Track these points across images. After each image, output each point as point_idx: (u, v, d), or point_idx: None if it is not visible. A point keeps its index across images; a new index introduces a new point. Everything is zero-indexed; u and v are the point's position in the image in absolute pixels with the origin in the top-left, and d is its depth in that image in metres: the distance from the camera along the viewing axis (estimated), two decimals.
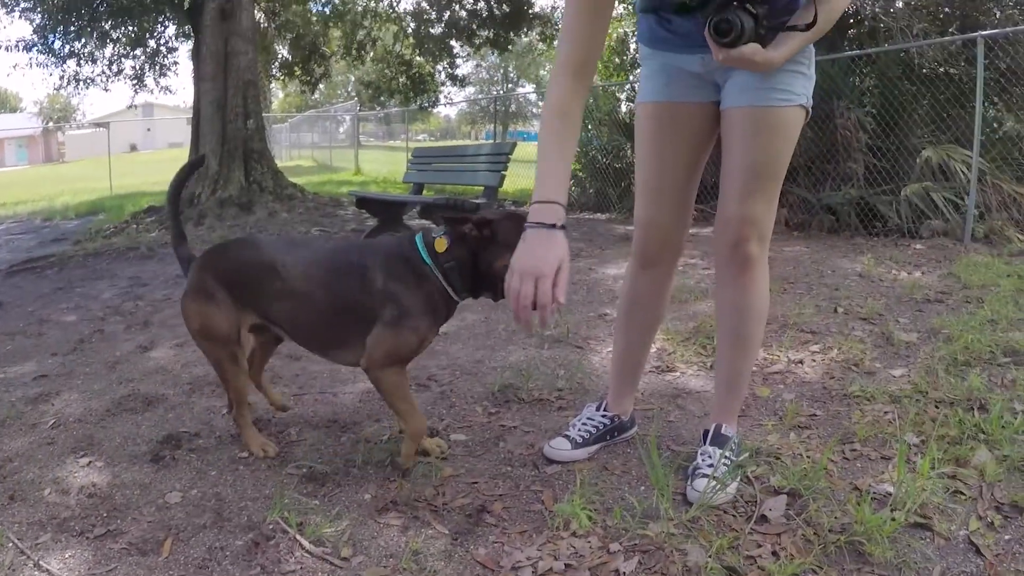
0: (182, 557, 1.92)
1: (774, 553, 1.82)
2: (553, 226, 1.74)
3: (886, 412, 2.67)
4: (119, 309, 4.99)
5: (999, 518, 1.94)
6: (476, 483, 2.28)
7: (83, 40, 12.45)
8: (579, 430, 2.42)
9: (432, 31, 17.04)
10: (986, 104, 7.73)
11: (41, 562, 1.90)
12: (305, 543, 1.95)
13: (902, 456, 2.12)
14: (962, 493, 2.07)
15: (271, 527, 2.03)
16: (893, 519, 1.88)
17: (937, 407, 2.69)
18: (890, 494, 2.04)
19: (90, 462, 2.51)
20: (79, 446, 2.64)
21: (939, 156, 7.00)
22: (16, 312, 5.09)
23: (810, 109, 2.06)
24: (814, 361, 3.31)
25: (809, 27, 1.82)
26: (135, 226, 9.26)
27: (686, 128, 2.16)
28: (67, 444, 2.66)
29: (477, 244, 2.11)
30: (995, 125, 7.88)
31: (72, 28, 12.13)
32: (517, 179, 14.70)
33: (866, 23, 8.31)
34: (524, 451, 2.50)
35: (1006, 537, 1.86)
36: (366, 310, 2.18)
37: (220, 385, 3.19)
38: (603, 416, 2.47)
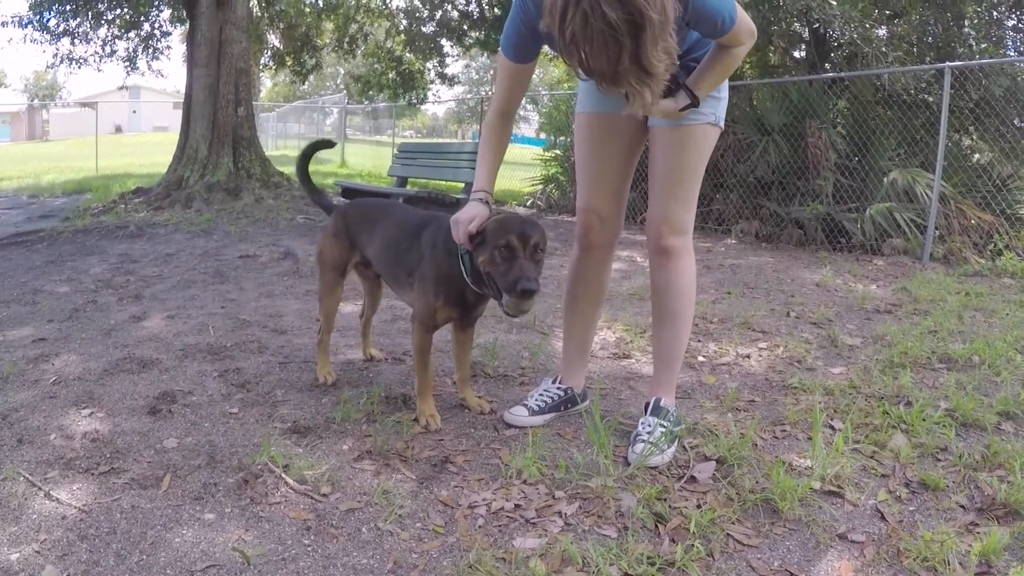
0: (180, 490, 2.17)
1: (698, 506, 2.10)
2: (476, 201, 2.42)
3: (819, 402, 2.95)
4: (110, 283, 5.16)
5: (907, 492, 2.21)
6: (442, 440, 2.56)
7: (78, 19, 12.55)
8: (536, 400, 2.73)
9: (423, 29, 17.23)
10: (960, 134, 8.11)
11: (52, 492, 2.12)
12: (290, 481, 2.21)
13: (817, 432, 2.41)
14: (876, 470, 2.35)
15: (259, 468, 2.29)
16: (807, 484, 2.17)
17: (867, 400, 2.98)
18: (809, 468, 2.32)
19: (91, 413, 2.73)
20: (80, 400, 2.85)
21: (905, 179, 7.34)
22: (9, 282, 5.22)
23: (720, 124, 2.45)
24: (760, 356, 3.59)
25: (695, 102, 2.23)
26: (123, 206, 9.38)
27: (618, 133, 2.55)
28: (68, 398, 2.87)
29: (474, 238, 2.41)
30: (968, 152, 8.26)
31: (68, 7, 12.24)
32: (500, 180, 14.93)
33: (845, 49, 8.66)
34: (486, 417, 2.79)
35: (911, 508, 2.13)
36: (413, 265, 2.68)
37: (211, 352, 3.45)
38: (558, 388, 2.78)
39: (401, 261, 2.76)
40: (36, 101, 54.62)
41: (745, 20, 2.12)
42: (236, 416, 2.74)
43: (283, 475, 2.23)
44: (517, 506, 2.09)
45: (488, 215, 2.41)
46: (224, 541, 1.91)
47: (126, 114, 53.96)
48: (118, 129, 50.31)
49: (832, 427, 2.69)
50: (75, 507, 2.04)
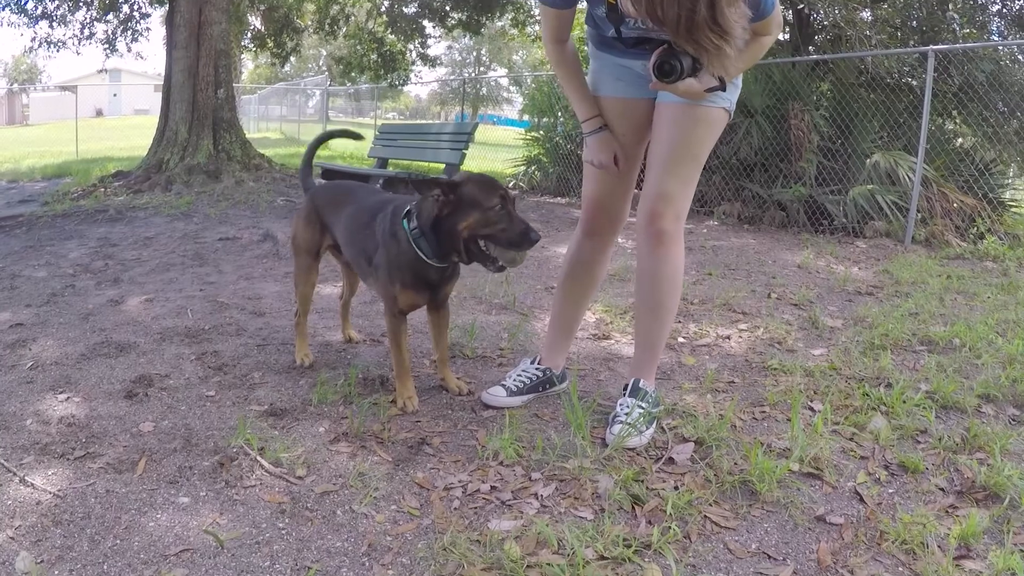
0: (155, 474, 2.15)
1: (675, 487, 2.10)
2: (599, 129, 2.45)
3: (799, 383, 2.95)
4: (89, 267, 5.11)
5: (886, 474, 2.22)
6: (419, 422, 2.54)
7: (56, 1, 12.38)
8: (514, 380, 2.72)
9: (405, 10, 17.14)
10: (943, 117, 8.13)
11: (27, 478, 2.10)
12: (265, 463, 2.19)
13: (796, 413, 2.42)
14: (855, 452, 2.35)
15: (235, 451, 2.27)
16: (785, 466, 2.17)
17: (847, 382, 2.98)
18: (788, 449, 2.32)
19: (68, 397, 2.70)
20: (57, 384, 2.83)
21: (887, 161, 7.35)
22: None
23: (731, 112, 2.39)
24: (740, 338, 3.60)
25: (721, 84, 2.13)
26: (103, 189, 9.28)
27: (632, 119, 2.48)
28: (45, 383, 2.85)
29: (443, 208, 2.37)
30: (951, 137, 8.28)
31: None
32: (484, 161, 14.89)
33: (829, 31, 8.65)
34: (465, 398, 2.77)
35: (889, 490, 2.14)
36: (370, 251, 2.66)
37: (188, 335, 3.42)
38: (536, 369, 2.77)
39: (361, 247, 2.74)
40: (15, 86, 53.87)
41: (779, 12, 2.11)
42: (213, 399, 2.72)
43: (258, 458, 2.22)
44: (493, 488, 2.08)
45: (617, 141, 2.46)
46: (198, 525, 1.89)
47: (107, 97, 53.37)
48: (99, 112, 49.74)
49: (812, 409, 2.70)
50: (50, 492, 2.03)
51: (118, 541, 1.82)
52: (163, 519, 1.92)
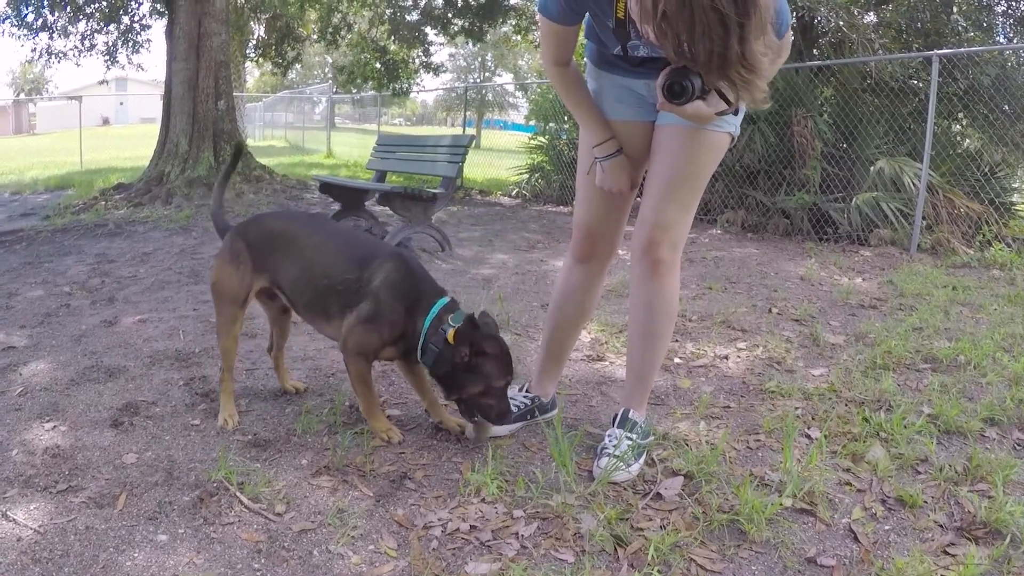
0: (135, 510, 2.11)
1: (662, 526, 2.04)
2: (615, 153, 2.35)
3: (796, 408, 2.89)
4: (85, 285, 5.09)
5: (882, 510, 2.14)
6: (403, 453, 2.49)
7: (56, 14, 12.39)
8: None
9: (407, 18, 17.13)
10: (949, 121, 8.06)
11: (8, 513, 2.07)
12: (244, 499, 2.15)
13: (789, 445, 2.36)
14: (852, 485, 2.28)
15: (215, 485, 2.23)
16: (777, 503, 2.10)
17: (846, 406, 2.92)
18: (781, 482, 2.26)
19: (55, 426, 2.68)
20: (45, 412, 2.80)
21: (892, 168, 7.29)
22: None
23: (735, 136, 2.31)
24: (739, 357, 3.54)
25: (733, 108, 1.99)
26: (104, 202, 9.29)
27: (633, 143, 2.38)
28: (33, 410, 2.82)
29: (464, 364, 2.35)
30: (957, 140, 8.20)
31: (45, 1, 12.09)
32: (489, 168, 14.86)
33: (831, 36, 8.59)
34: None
35: (886, 527, 2.07)
36: (353, 301, 2.46)
37: (178, 359, 3.39)
38: (524, 396, 2.70)
39: (338, 293, 2.49)
40: (22, 95, 54.13)
41: (789, 37, 2.04)
42: (198, 428, 2.68)
43: (237, 494, 2.17)
44: (473, 527, 2.02)
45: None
46: (175, 565, 1.86)
47: (113, 106, 53.62)
48: (105, 121, 49.98)
49: (808, 436, 2.64)
50: (31, 528, 2.01)
51: None
52: (140, 558, 1.89)
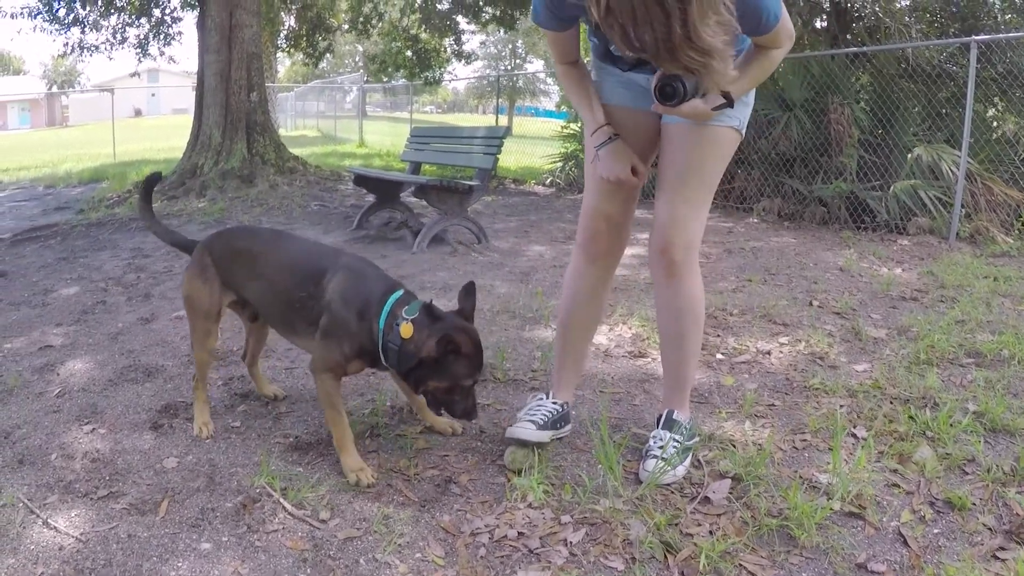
0: (177, 516, 2.11)
1: (711, 532, 2.00)
2: (611, 139, 2.27)
3: (841, 406, 2.83)
4: (121, 280, 5.12)
5: (931, 513, 2.09)
6: (447, 456, 2.47)
7: (87, 8, 12.47)
8: (541, 414, 2.49)
9: (438, 6, 17.06)
10: (986, 105, 7.87)
11: (49, 520, 2.07)
12: (288, 506, 2.13)
13: (837, 448, 2.30)
14: (899, 487, 2.22)
15: (258, 491, 2.22)
16: (826, 507, 2.05)
17: (891, 403, 2.85)
18: (829, 484, 2.20)
19: (93, 429, 2.67)
20: (83, 414, 2.81)
21: (930, 155, 7.13)
22: (20, 282, 5.21)
23: (743, 131, 2.25)
24: (781, 353, 3.47)
25: (729, 102, 1.96)
26: (138, 195, 9.33)
27: (641, 130, 2.33)
28: (72, 412, 2.83)
29: (428, 358, 2.18)
30: (994, 125, 8.01)
31: None
32: (522, 156, 14.79)
33: (866, 21, 8.41)
34: (493, 428, 2.68)
35: (935, 531, 2.01)
36: (313, 317, 2.37)
37: (216, 357, 3.38)
38: (554, 404, 2.55)
39: (297, 310, 2.42)
40: (55, 87, 54.75)
41: (787, 22, 1.96)
42: (237, 430, 2.67)
43: (281, 500, 2.16)
44: (521, 534, 2.00)
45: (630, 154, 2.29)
46: (219, 574, 1.85)
47: (145, 97, 54.12)
48: (137, 112, 50.58)
49: (855, 436, 2.58)
50: (72, 536, 2.00)
51: None
52: (184, 568, 1.88)
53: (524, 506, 2.13)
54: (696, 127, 2.18)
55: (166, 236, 2.86)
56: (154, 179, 3.00)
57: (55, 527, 2.04)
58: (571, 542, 1.95)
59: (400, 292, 2.33)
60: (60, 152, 20.35)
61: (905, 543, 1.95)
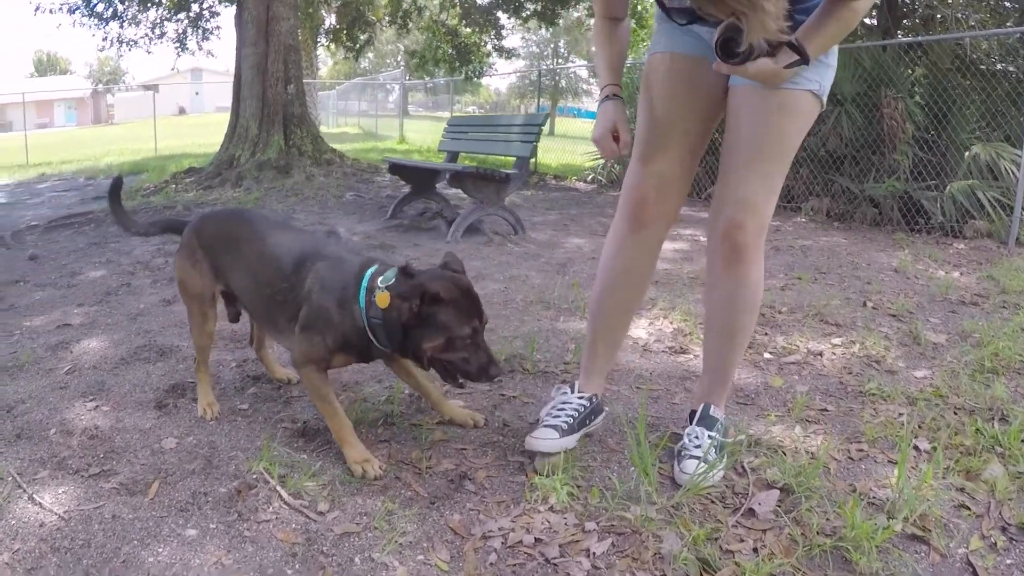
0: (167, 499, 1.96)
1: (755, 550, 1.75)
2: (606, 99, 2.14)
3: (900, 414, 2.57)
4: (148, 265, 5.05)
5: (1003, 539, 1.83)
6: (464, 449, 2.26)
7: (125, 3, 12.54)
8: (564, 416, 2.22)
9: (479, 1, 16.91)
10: None
11: (35, 496, 1.97)
12: (284, 494, 1.96)
13: (903, 461, 2.03)
14: (967, 508, 1.97)
15: (255, 477, 2.05)
16: (887, 528, 1.80)
17: (955, 414, 2.58)
18: (889, 501, 1.95)
19: (97, 406, 2.56)
20: (89, 391, 2.70)
21: (988, 153, 6.77)
22: (50, 265, 5.19)
23: (823, 98, 1.96)
24: (834, 354, 3.22)
25: (803, 59, 1.68)
26: (174, 186, 9.34)
27: (703, 82, 2.04)
28: (78, 389, 2.72)
29: (413, 318, 1.96)
30: None
31: None
32: (563, 154, 14.59)
33: (920, 11, 8.06)
34: (518, 422, 2.46)
35: (1007, 561, 1.76)
36: (292, 311, 2.19)
37: (233, 339, 3.25)
38: (580, 399, 2.28)
39: (276, 304, 2.24)
40: (100, 86, 55.74)
41: None
42: (244, 413, 2.52)
43: (278, 487, 1.98)
44: (538, 540, 1.77)
45: (625, 113, 2.13)
46: (200, 564, 1.69)
47: (189, 96, 54.92)
48: (181, 111, 51.27)
49: (917, 448, 2.30)
50: (56, 514, 1.89)
51: None
52: (164, 554, 1.73)
53: (544, 509, 1.91)
54: (768, 91, 1.90)
55: (131, 228, 2.74)
56: (119, 182, 2.89)
57: (40, 503, 1.94)
58: (594, 553, 1.72)
59: (375, 266, 2.12)
60: (103, 147, 20.67)
61: (974, 573, 1.70)
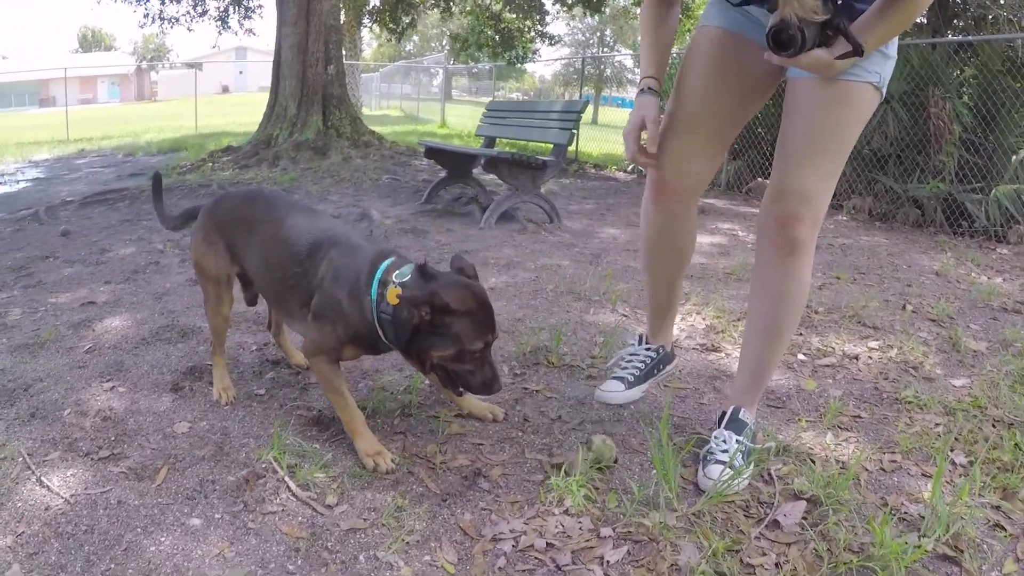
0: (174, 486, 1.92)
1: (777, 565, 1.67)
2: (642, 92, 2.07)
3: (937, 424, 2.46)
4: (180, 243, 5.02)
5: None
6: (481, 444, 2.19)
7: None
8: (630, 369, 2.33)
9: None
10: None
11: (43, 478, 1.94)
12: (292, 486, 1.91)
13: (939, 476, 1.92)
14: (1003, 528, 1.86)
15: (264, 466, 2.01)
16: (918, 547, 1.71)
17: (994, 426, 2.46)
18: (922, 518, 1.86)
19: (113, 387, 2.54)
20: (107, 371, 2.67)
21: None
22: (81, 241, 5.19)
23: (883, 90, 1.88)
24: (870, 359, 3.10)
25: (856, 50, 1.63)
26: (211, 164, 9.35)
27: (749, 64, 1.99)
28: (97, 368, 2.70)
29: (422, 324, 1.90)
30: None
31: None
32: (605, 143, 14.45)
33: (972, 10, 7.81)
34: (539, 417, 2.39)
35: None
36: (304, 298, 2.14)
37: (256, 321, 3.21)
38: (647, 350, 2.42)
39: (289, 288, 2.19)
40: (144, 63, 56.41)
41: None
42: (260, 398, 2.47)
43: (286, 478, 1.94)
44: (550, 545, 1.70)
45: (658, 109, 2.06)
46: (201, 555, 1.65)
47: (232, 75, 55.40)
48: (225, 89, 51.76)
49: (953, 463, 2.19)
50: (62, 497, 1.87)
51: (113, 565, 1.62)
52: (166, 543, 1.69)
53: (559, 512, 1.84)
54: (826, 83, 1.83)
55: (168, 223, 2.75)
56: (159, 179, 2.91)
57: (48, 485, 1.92)
58: (608, 561, 1.65)
59: (392, 258, 2.05)
60: (144, 124, 20.81)
61: None
